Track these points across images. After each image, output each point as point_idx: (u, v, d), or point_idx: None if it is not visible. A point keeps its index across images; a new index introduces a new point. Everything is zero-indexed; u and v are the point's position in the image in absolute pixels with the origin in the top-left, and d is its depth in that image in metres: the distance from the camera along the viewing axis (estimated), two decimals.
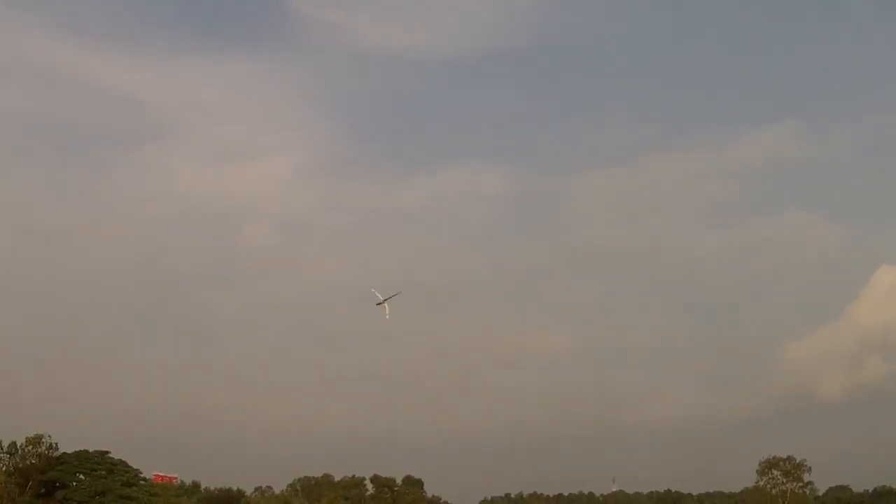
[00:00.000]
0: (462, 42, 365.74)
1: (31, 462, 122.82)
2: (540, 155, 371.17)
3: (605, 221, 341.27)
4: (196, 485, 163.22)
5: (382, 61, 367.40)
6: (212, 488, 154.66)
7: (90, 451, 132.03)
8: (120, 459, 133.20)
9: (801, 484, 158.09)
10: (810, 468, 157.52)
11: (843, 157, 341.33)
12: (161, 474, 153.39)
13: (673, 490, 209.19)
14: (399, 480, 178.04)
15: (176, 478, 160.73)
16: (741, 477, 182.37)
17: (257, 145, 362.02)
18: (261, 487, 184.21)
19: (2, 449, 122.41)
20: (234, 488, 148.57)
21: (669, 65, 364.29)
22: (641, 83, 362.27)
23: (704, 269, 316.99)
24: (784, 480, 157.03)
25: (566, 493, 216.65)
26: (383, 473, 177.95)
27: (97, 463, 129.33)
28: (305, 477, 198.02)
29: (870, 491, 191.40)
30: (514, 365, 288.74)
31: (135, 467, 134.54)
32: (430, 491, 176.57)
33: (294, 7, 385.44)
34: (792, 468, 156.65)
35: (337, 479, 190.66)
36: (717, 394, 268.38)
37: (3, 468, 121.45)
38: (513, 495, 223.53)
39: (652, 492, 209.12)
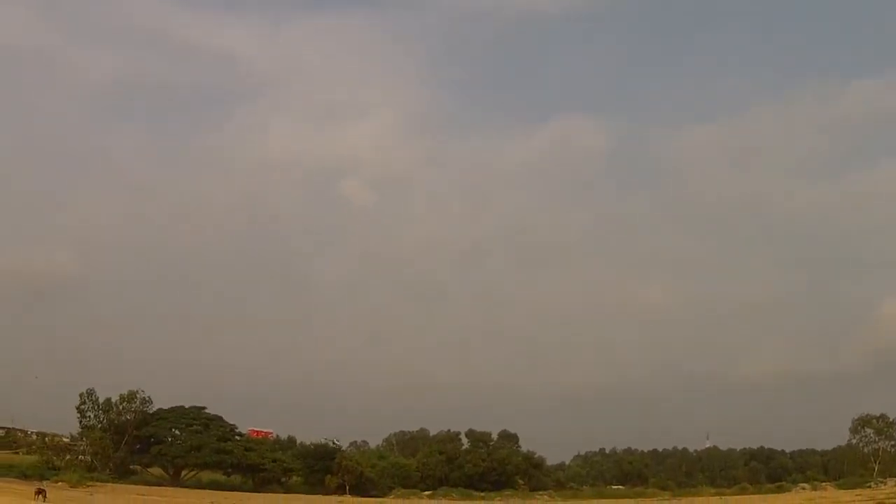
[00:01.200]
0: None
1: (126, 418, 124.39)
2: (641, 108, 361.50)
3: (707, 174, 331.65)
4: (291, 440, 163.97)
5: (483, 16, 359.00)
6: (307, 443, 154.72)
7: (186, 406, 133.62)
8: (216, 415, 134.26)
9: (893, 442, 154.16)
10: None
11: None
12: (257, 429, 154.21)
13: (766, 447, 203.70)
14: (494, 435, 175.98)
15: (272, 433, 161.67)
16: (834, 434, 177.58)
17: (357, 103, 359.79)
18: (356, 442, 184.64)
19: (98, 406, 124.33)
20: (330, 443, 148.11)
21: (775, 15, 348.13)
22: (745, 34, 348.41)
23: (806, 222, 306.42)
24: (876, 439, 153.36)
25: (660, 449, 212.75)
26: (479, 428, 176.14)
27: (193, 418, 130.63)
28: (401, 431, 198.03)
29: None
30: (614, 320, 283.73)
31: (230, 422, 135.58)
32: (524, 446, 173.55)
33: None
34: (885, 426, 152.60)
35: (433, 433, 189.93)
36: (814, 350, 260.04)
37: (99, 425, 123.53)
38: (607, 451, 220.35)
39: (744, 448, 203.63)
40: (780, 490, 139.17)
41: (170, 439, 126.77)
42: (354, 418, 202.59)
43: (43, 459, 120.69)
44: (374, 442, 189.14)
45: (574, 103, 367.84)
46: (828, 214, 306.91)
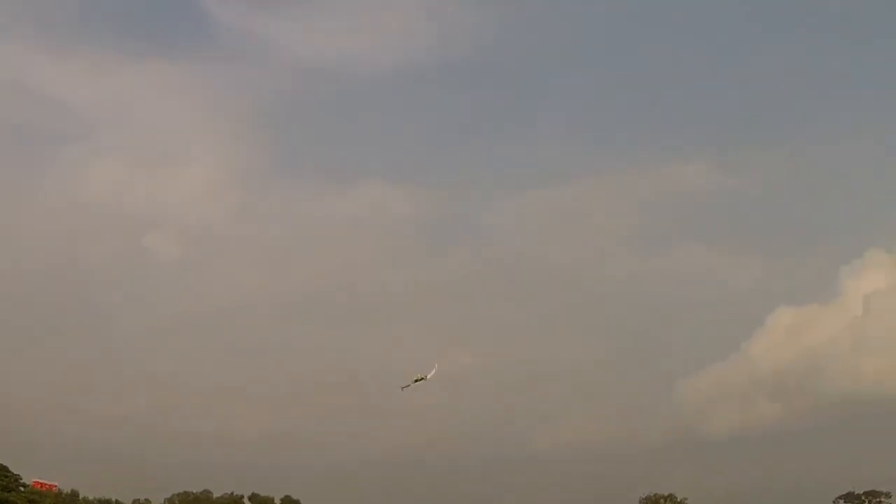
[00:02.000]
0: (391, 57, 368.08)
1: None
2: (463, 171, 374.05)
3: (525, 241, 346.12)
4: (74, 494, 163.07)
5: (306, 73, 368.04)
6: (90, 498, 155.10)
7: None
8: (1, 464, 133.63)
9: None
10: None
11: (753, 195, 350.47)
12: (41, 481, 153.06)
13: None
14: (277, 500, 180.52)
15: (55, 486, 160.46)
16: None
17: (176, 154, 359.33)
18: (139, 500, 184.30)
19: None
20: (113, 499, 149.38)
21: (602, 91, 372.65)
22: (572, 107, 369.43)
23: (617, 296, 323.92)
24: None
25: None
26: (263, 492, 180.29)
27: None
28: (184, 492, 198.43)
29: None
30: (422, 385, 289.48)
31: (15, 472, 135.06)
32: None
33: (218, 16, 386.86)
34: None
35: (216, 495, 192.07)
36: (613, 423, 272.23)
37: None
38: None
39: None
40: None
41: None
42: (140, 474, 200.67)
43: None
44: (157, 500, 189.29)
45: (395, 163, 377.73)
46: (641, 288, 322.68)
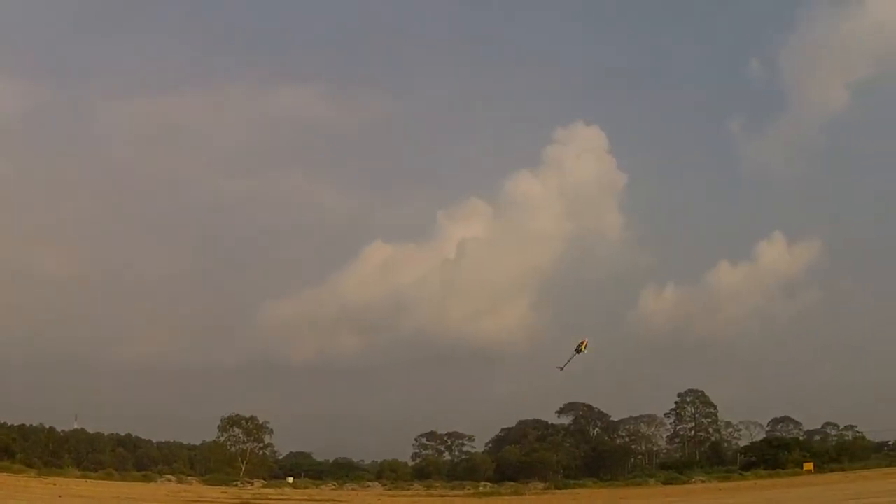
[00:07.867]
0: None
1: None
2: (76, 70, 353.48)
3: (128, 149, 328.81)
4: None
5: None
6: None
7: None
8: None
9: (260, 445, 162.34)
10: (272, 430, 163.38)
11: (363, 130, 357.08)
12: None
13: (133, 435, 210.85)
14: None
15: None
16: (204, 430, 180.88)
17: None
18: None
19: None
20: None
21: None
22: (194, 13, 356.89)
23: (213, 214, 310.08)
24: (245, 439, 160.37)
25: (28, 424, 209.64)
26: None
27: None
28: None
29: (330, 461, 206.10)
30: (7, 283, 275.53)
31: None
32: None
33: None
34: (254, 428, 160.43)
35: None
36: (197, 342, 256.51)
37: None
38: None
39: (113, 434, 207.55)
40: (145, 479, 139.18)
41: None
42: None
43: None
44: None
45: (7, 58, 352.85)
46: (237, 209, 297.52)
